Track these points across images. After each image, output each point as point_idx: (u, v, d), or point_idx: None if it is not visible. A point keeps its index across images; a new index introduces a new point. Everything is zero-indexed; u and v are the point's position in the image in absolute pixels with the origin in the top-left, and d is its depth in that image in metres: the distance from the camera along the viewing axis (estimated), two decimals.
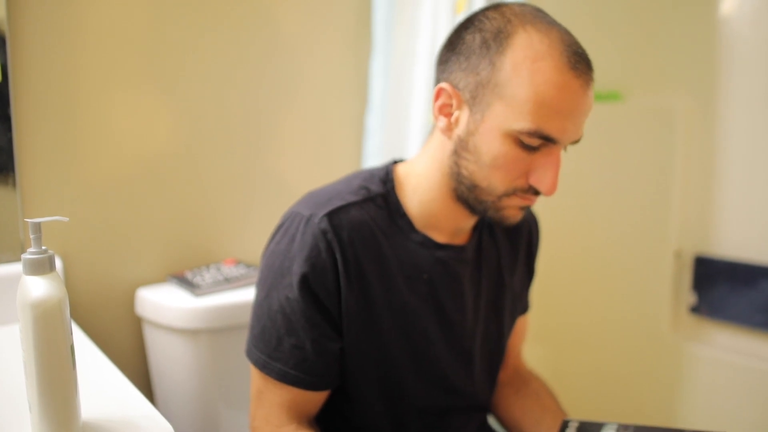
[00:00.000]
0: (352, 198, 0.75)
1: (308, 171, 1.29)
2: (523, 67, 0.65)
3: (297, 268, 0.71)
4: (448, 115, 0.72)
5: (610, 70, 1.63)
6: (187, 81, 1.12)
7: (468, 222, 0.79)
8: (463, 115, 0.70)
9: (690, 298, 1.51)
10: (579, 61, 0.66)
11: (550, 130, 0.65)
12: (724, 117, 1.42)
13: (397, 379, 0.78)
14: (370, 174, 0.80)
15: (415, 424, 0.81)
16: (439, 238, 0.78)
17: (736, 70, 1.40)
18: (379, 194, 0.77)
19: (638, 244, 1.55)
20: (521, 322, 0.96)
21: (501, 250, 0.86)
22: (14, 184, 0.94)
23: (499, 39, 0.67)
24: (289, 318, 0.72)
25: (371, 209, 0.75)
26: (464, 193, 0.73)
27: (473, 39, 0.69)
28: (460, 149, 0.71)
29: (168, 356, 1.05)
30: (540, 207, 0.97)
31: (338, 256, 0.71)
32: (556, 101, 0.65)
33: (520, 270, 0.90)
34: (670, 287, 1.51)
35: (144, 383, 1.13)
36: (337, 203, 0.74)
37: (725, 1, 1.41)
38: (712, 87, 1.43)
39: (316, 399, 0.76)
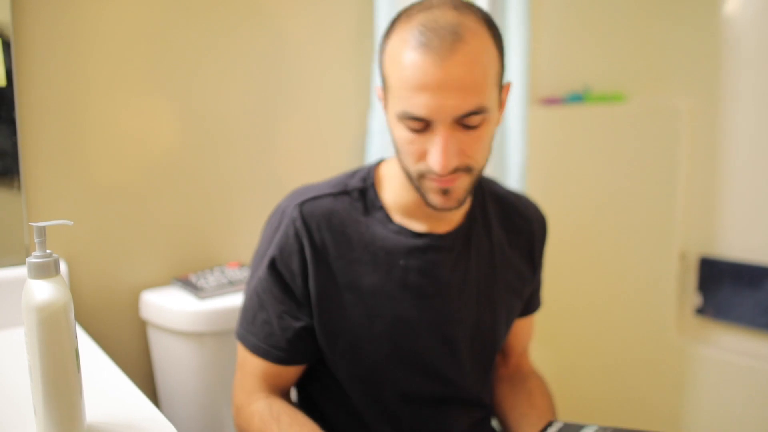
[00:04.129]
0: (327, 191, 0.82)
1: (312, 173, 1.29)
2: (391, 58, 0.71)
3: (270, 252, 0.79)
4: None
5: (614, 70, 1.63)
6: (191, 84, 1.12)
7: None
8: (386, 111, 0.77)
9: (695, 299, 1.51)
10: (432, 37, 0.67)
11: (413, 108, 0.68)
12: (728, 117, 1.42)
13: (374, 364, 0.80)
14: (354, 172, 0.86)
15: (404, 412, 0.82)
16: (418, 228, 0.81)
17: (739, 69, 1.40)
18: (357, 189, 0.83)
19: (643, 246, 1.55)
20: (528, 321, 0.97)
21: (495, 243, 0.87)
22: (19, 188, 0.94)
23: (385, 38, 0.74)
24: (260, 296, 0.80)
25: (345, 201, 0.81)
26: (408, 178, 0.77)
27: (380, 42, 0.76)
28: (392, 139, 0.77)
29: (172, 359, 1.05)
30: (544, 208, 0.97)
31: (305, 241, 0.78)
32: (411, 80, 0.68)
33: (519, 267, 0.90)
34: (675, 289, 1.51)
35: (148, 386, 1.13)
36: (312, 194, 0.82)
37: (728, 1, 1.41)
38: (716, 87, 1.43)
39: (285, 374, 0.82)
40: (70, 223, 0.56)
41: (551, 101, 1.73)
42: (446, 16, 0.68)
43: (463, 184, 0.74)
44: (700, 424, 1.46)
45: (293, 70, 1.25)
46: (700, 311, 1.50)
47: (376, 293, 0.79)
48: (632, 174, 1.56)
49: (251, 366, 0.81)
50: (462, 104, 0.67)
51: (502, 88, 0.75)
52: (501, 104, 0.76)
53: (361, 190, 0.82)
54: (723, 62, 1.42)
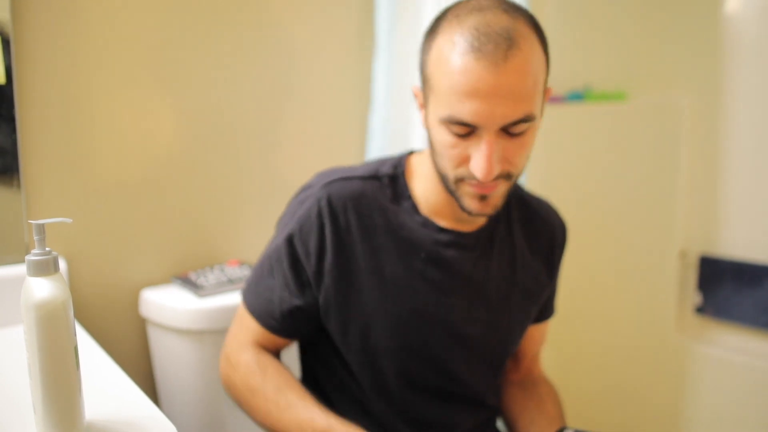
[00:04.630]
0: (357, 173, 0.82)
1: (312, 171, 1.28)
2: (438, 60, 0.69)
3: (290, 226, 0.80)
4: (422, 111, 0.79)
5: (615, 69, 1.63)
6: (191, 83, 1.12)
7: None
8: (425, 111, 0.77)
9: (695, 298, 1.51)
10: (485, 42, 0.65)
11: (462, 114, 0.67)
12: (729, 115, 1.42)
13: (384, 351, 0.80)
14: (385, 159, 0.86)
15: (410, 404, 0.82)
16: (444, 223, 0.81)
17: (740, 67, 1.40)
18: (387, 175, 0.82)
19: (643, 244, 1.55)
20: (541, 327, 0.96)
21: (516, 246, 0.86)
22: (19, 186, 0.94)
23: (430, 37, 0.72)
24: (272, 263, 0.82)
25: (374, 186, 0.81)
26: (440, 179, 0.77)
27: (423, 40, 0.75)
28: (429, 140, 0.76)
29: (172, 357, 1.05)
30: None
31: (327, 222, 0.78)
32: (461, 85, 0.66)
33: (537, 272, 0.89)
34: (675, 287, 1.50)
35: (148, 384, 1.13)
36: (341, 175, 0.82)
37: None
38: (717, 85, 1.43)
39: (274, 341, 0.84)
40: (69, 220, 0.56)
41: (552, 99, 1.73)
42: (500, 20, 0.66)
43: (501, 190, 0.73)
44: (700, 422, 1.46)
45: (294, 69, 1.25)
46: (700, 310, 1.50)
47: (395, 281, 0.79)
48: (633, 172, 1.56)
49: (246, 323, 0.84)
50: (511, 112, 0.66)
51: (545, 92, 0.74)
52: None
53: (392, 177, 0.82)
54: (724, 60, 1.42)
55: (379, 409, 0.82)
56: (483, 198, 0.73)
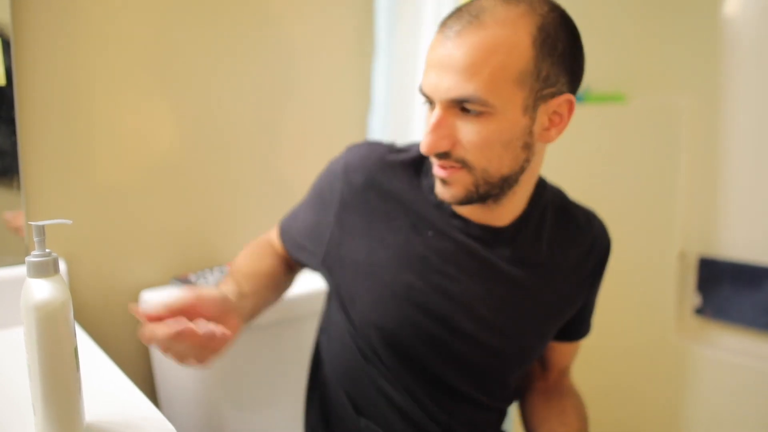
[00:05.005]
0: (388, 144, 0.85)
1: (312, 173, 1.29)
2: None
3: (324, 174, 0.88)
4: None
5: (614, 70, 1.63)
6: (191, 84, 1.12)
7: (483, 203, 0.75)
8: None
9: (695, 299, 1.51)
10: (451, 17, 0.67)
11: (422, 84, 0.70)
12: (729, 117, 1.42)
13: (370, 315, 0.78)
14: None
15: (402, 378, 0.79)
16: (465, 212, 0.78)
17: (740, 69, 1.40)
18: (416, 152, 0.83)
19: (642, 245, 1.55)
20: (573, 344, 0.93)
21: (544, 254, 0.81)
22: (18, 187, 0.94)
23: None
24: (308, 194, 0.91)
25: (399, 157, 0.82)
26: None
27: None
28: None
29: None
30: None
31: (339, 178, 0.82)
32: (426, 57, 0.69)
33: (564, 284, 0.83)
34: (675, 289, 1.51)
35: (148, 386, 1.13)
36: (373, 142, 0.86)
37: (729, 1, 1.41)
38: (717, 87, 1.43)
39: (284, 252, 0.93)
40: (69, 222, 0.56)
41: None
42: (487, 3, 0.65)
43: (461, 179, 0.70)
44: (700, 424, 1.46)
45: (294, 69, 1.25)
46: (700, 311, 1.50)
47: (396, 251, 0.78)
48: (632, 174, 1.56)
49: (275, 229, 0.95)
50: (455, 87, 0.64)
51: (544, 97, 0.68)
52: (557, 118, 0.72)
53: (419, 156, 0.82)
54: (724, 62, 1.42)
55: (379, 378, 0.80)
56: (444, 182, 0.72)
